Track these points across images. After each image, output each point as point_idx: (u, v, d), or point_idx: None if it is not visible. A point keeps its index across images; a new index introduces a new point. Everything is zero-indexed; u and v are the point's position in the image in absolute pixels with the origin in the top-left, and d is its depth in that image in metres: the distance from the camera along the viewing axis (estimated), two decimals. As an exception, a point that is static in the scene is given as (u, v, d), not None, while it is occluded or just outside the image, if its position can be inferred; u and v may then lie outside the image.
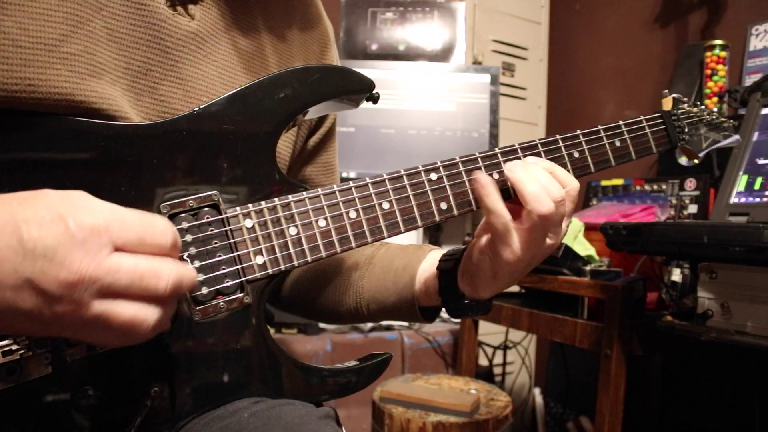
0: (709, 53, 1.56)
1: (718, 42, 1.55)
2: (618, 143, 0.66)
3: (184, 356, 0.52)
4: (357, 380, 0.61)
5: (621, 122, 0.67)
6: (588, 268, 1.28)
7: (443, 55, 2.04)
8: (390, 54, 2.02)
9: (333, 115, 0.79)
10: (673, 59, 1.87)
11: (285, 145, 0.69)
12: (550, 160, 0.62)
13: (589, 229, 1.39)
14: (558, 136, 0.64)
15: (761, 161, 1.12)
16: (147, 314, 0.41)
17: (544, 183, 0.55)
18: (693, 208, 1.37)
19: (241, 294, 0.54)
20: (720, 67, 1.55)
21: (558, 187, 0.56)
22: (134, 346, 0.44)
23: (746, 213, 1.07)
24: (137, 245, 0.41)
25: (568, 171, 0.62)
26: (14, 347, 0.45)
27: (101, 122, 0.50)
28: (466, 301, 0.63)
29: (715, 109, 0.78)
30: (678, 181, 1.45)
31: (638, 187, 1.56)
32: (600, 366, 1.17)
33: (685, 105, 0.74)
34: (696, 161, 0.76)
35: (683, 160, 0.80)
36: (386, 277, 0.70)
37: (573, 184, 0.58)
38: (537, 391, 2.20)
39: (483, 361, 2.03)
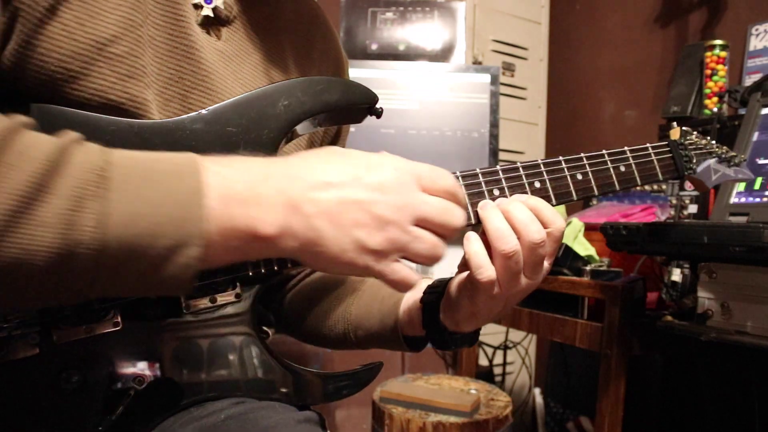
0: (709, 53, 1.56)
1: (718, 42, 1.55)
2: (623, 168, 0.65)
3: (171, 350, 0.53)
4: (346, 386, 0.61)
5: (626, 148, 0.66)
6: (588, 268, 1.28)
7: (443, 55, 2.04)
8: (390, 54, 2.02)
9: (342, 143, 0.80)
10: (673, 59, 1.87)
11: None
12: (552, 180, 0.60)
13: (589, 229, 1.39)
14: (561, 158, 0.62)
15: (761, 161, 1.12)
16: (441, 243, 0.50)
17: (523, 220, 0.53)
18: (693, 208, 1.37)
19: (233, 290, 0.55)
20: (720, 67, 1.55)
21: (538, 227, 0.53)
22: (121, 335, 0.48)
23: (746, 213, 1.07)
24: (431, 186, 0.50)
25: (571, 192, 0.61)
26: (4, 325, 0.46)
27: (108, 117, 0.51)
28: (449, 335, 0.63)
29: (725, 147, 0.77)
30: (678, 181, 1.45)
31: (638, 187, 1.56)
32: (600, 366, 1.17)
33: (693, 136, 0.73)
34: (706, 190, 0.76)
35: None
36: (372, 304, 0.70)
37: (558, 224, 0.54)
38: (537, 391, 2.20)
39: (483, 361, 2.03)
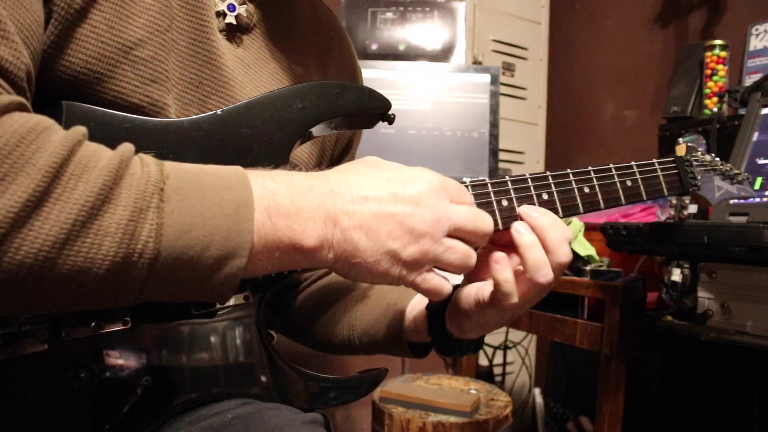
0: (709, 53, 1.56)
1: (718, 42, 1.55)
2: (629, 183, 0.66)
3: (179, 349, 0.52)
4: (350, 393, 0.61)
5: (633, 163, 0.67)
6: (588, 268, 1.28)
7: (443, 55, 2.04)
8: (390, 54, 2.02)
9: (353, 154, 0.81)
10: (673, 59, 1.87)
11: (306, 168, 0.69)
12: (560, 192, 0.61)
13: (589, 229, 1.39)
14: (569, 170, 0.62)
15: (761, 161, 1.12)
16: (472, 252, 0.52)
17: (557, 240, 0.53)
18: (693, 208, 1.37)
19: (242, 293, 0.55)
20: (720, 67, 1.55)
21: (568, 250, 0.54)
22: (129, 333, 0.49)
23: (746, 213, 1.07)
24: (458, 198, 0.51)
25: (578, 205, 0.62)
26: (13, 320, 0.46)
27: (125, 115, 0.51)
28: (455, 341, 0.63)
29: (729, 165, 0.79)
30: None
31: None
32: (600, 366, 1.17)
33: (699, 153, 0.75)
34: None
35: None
36: (378, 311, 0.71)
37: (566, 235, 0.55)
38: (537, 391, 2.20)
39: (483, 361, 2.03)
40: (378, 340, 0.70)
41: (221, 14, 0.60)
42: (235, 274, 0.43)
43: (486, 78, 1.91)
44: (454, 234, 0.50)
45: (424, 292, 0.51)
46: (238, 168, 0.46)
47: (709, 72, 1.56)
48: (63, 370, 0.47)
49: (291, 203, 0.45)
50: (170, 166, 0.43)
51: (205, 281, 0.43)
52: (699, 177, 0.73)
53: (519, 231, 0.55)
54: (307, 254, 0.46)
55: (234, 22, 0.61)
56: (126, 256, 0.39)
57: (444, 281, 0.51)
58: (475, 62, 2.08)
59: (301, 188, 0.46)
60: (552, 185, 0.61)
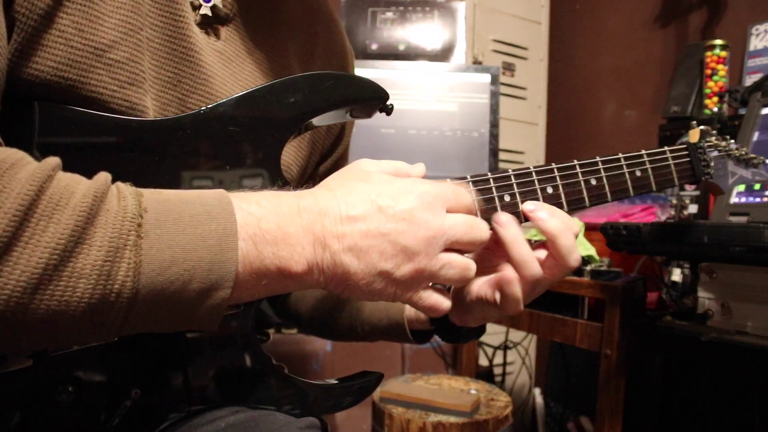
0: (709, 53, 1.56)
1: (718, 42, 1.55)
2: (639, 173, 0.63)
3: (168, 361, 0.51)
4: (346, 398, 0.60)
5: (643, 151, 0.64)
6: (588, 268, 1.27)
7: (443, 54, 2.04)
8: (390, 54, 2.02)
9: (345, 143, 0.79)
10: (673, 59, 1.87)
11: (296, 162, 0.68)
12: (566, 185, 0.58)
13: (589, 229, 1.39)
14: (576, 161, 0.60)
15: (761, 161, 1.12)
16: (470, 265, 0.50)
17: (568, 247, 0.52)
18: (693, 208, 1.37)
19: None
20: (720, 67, 1.55)
21: (578, 255, 0.53)
22: (117, 346, 0.47)
23: (746, 213, 1.07)
24: (456, 206, 0.49)
25: (584, 198, 0.60)
26: None
27: (106, 115, 0.49)
28: (457, 330, 0.63)
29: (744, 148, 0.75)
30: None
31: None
32: (600, 366, 1.17)
33: (713, 138, 0.71)
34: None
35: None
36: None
37: (575, 228, 0.54)
38: (537, 391, 2.20)
39: (483, 362, 2.03)
40: (381, 328, 0.71)
41: (197, 6, 0.56)
42: (220, 305, 0.42)
43: (486, 78, 1.91)
44: (451, 247, 0.48)
45: (421, 309, 0.50)
46: (221, 193, 0.44)
47: (709, 72, 1.55)
48: (50, 385, 0.46)
49: (277, 229, 0.44)
50: (149, 196, 0.41)
51: (189, 313, 0.41)
52: (712, 164, 0.69)
53: (542, 218, 0.53)
54: (297, 279, 0.45)
55: (210, 14, 0.57)
56: (103, 297, 0.37)
57: (441, 299, 0.50)
58: (475, 62, 2.08)
59: (287, 212, 0.45)
60: (557, 178, 0.58)
